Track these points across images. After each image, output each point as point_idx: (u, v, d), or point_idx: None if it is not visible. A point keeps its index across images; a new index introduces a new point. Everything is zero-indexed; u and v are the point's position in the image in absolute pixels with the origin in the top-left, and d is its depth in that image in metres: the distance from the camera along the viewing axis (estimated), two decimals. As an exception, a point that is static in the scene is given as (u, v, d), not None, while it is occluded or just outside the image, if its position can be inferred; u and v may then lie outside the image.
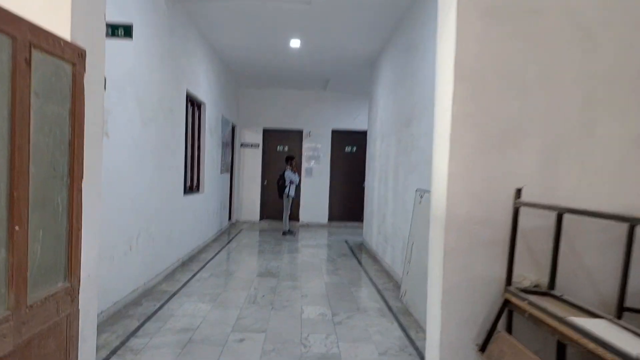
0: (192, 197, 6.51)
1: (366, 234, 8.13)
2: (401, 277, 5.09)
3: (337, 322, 3.88)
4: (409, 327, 3.84)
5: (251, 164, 10.93)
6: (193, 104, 6.73)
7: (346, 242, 8.53)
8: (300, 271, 5.82)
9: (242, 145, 10.87)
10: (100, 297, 3.61)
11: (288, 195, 8.92)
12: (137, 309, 3.99)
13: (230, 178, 9.99)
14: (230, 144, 9.76)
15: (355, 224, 10.79)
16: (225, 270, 5.70)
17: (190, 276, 5.29)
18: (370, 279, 5.55)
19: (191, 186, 6.67)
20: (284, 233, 8.96)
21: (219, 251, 7.00)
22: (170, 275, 5.23)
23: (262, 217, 10.98)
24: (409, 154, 5.25)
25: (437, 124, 2.36)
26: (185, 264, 5.92)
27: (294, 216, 10.73)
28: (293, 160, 9.06)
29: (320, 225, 10.83)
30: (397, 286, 5.15)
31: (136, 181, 4.25)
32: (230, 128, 9.61)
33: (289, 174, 8.85)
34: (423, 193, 4.42)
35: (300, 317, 3.95)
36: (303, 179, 10.84)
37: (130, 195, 4.12)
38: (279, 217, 9.99)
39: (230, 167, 9.88)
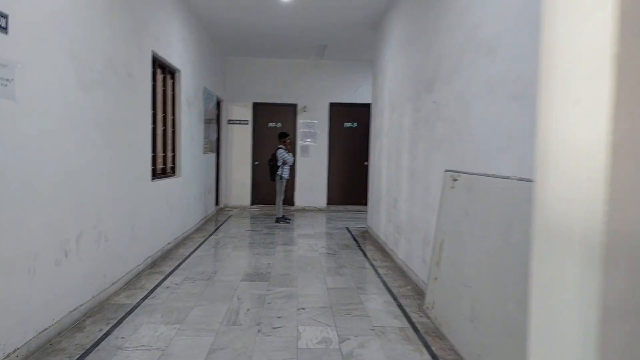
0: (165, 182, 5.41)
1: (371, 220, 7.09)
2: (424, 281, 4.07)
3: (346, 353, 2.85)
4: (445, 358, 2.82)
5: (240, 142, 9.80)
6: (164, 71, 5.57)
7: (348, 229, 7.50)
8: (296, 270, 4.78)
9: (229, 121, 9.72)
10: (14, 328, 2.58)
11: (281, 177, 7.83)
12: (75, 337, 2.94)
13: (216, 159, 8.87)
14: (215, 120, 8.61)
15: (357, 207, 9.76)
16: (204, 271, 4.65)
17: (158, 281, 4.24)
18: (382, 281, 4.52)
19: (164, 169, 5.56)
20: (278, 220, 7.91)
21: (200, 244, 5.95)
22: (133, 281, 4.18)
23: (253, 202, 9.91)
24: (431, 126, 4.16)
25: (557, 47, 1.23)
26: (156, 263, 4.86)
27: (289, 200, 9.68)
28: (287, 138, 7.93)
29: (318, 210, 9.78)
30: (417, 291, 4.13)
31: (72, 164, 3.15)
32: (214, 102, 8.44)
33: (282, 153, 7.73)
34: (457, 175, 3.36)
35: (295, 346, 2.92)
36: (298, 158, 9.76)
37: (63, 183, 3.02)
38: (272, 202, 8.93)
39: (216, 147, 8.75)
